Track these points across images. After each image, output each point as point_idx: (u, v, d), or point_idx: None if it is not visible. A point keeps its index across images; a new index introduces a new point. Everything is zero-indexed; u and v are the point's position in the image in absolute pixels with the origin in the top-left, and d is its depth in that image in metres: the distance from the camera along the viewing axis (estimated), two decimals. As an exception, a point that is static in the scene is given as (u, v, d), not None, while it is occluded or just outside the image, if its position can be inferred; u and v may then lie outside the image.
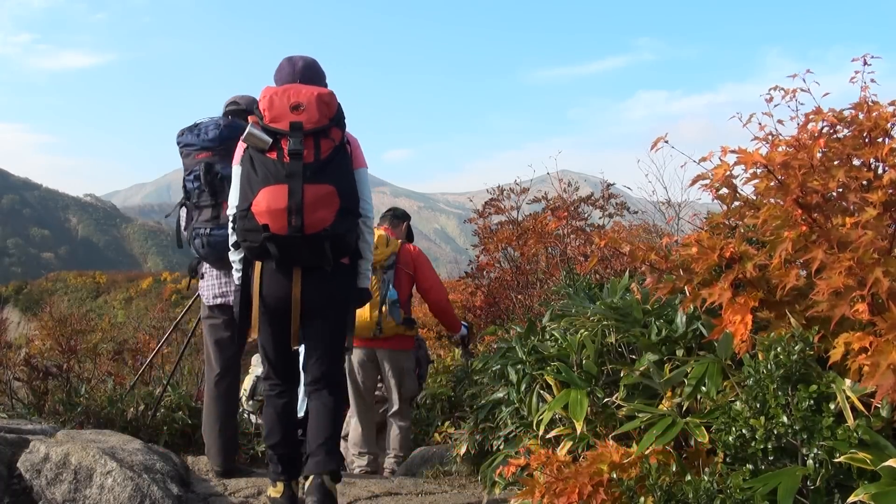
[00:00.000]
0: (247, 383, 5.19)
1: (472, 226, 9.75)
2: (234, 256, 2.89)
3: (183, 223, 3.50)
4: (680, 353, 2.49)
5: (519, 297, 7.43)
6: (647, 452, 2.02)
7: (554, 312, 3.32)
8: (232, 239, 2.85)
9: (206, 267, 3.53)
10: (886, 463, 1.64)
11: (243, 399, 4.96)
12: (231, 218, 2.81)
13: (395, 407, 4.56)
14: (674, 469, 2.00)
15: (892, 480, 1.61)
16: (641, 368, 2.50)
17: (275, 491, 2.89)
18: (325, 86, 2.94)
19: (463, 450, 3.56)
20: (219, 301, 3.47)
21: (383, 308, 4.40)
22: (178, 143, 3.46)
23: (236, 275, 2.90)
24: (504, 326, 4.82)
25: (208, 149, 3.38)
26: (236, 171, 2.81)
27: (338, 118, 2.79)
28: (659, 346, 2.52)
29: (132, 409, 4.15)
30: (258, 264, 2.83)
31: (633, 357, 2.72)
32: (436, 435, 5.47)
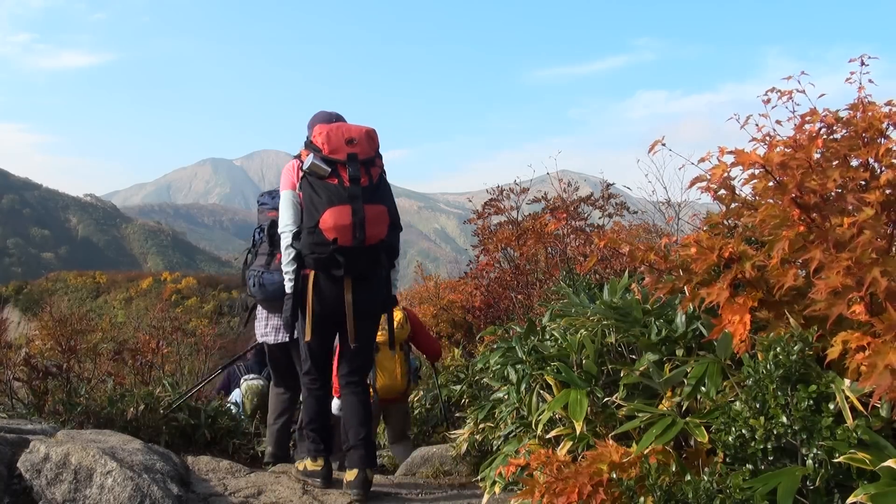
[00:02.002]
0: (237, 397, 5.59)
1: (472, 226, 9.75)
2: (288, 268, 3.25)
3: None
4: (680, 352, 2.50)
5: (519, 297, 7.43)
6: (646, 452, 2.02)
7: (554, 312, 3.32)
8: (289, 252, 3.23)
9: (259, 308, 4.13)
10: (886, 463, 1.64)
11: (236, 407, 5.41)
12: (287, 237, 3.24)
13: (399, 440, 5.11)
14: (674, 469, 2.00)
15: (891, 481, 1.61)
16: (641, 368, 2.50)
17: (314, 465, 3.35)
18: None
19: (463, 450, 3.56)
20: (261, 339, 4.13)
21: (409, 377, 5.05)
22: (258, 202, 4.18)
23: (288, 284, 3.26)
24: (504, 326, 4.84)
25: (277, 209, 3.89)
26: (287, 195, 3.26)
27: (378, 149, 3.32)
28: (659, 346, 2.52)
29: (132, 409, 4.15)
30: (311, 277, 3.22)
31: (633, 357, 2.72)
32: (435, 435, 5.47)
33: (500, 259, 8.94)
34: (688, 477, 1.90)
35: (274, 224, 3.77)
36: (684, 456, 2.12)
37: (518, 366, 3.11)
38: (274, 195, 4.01)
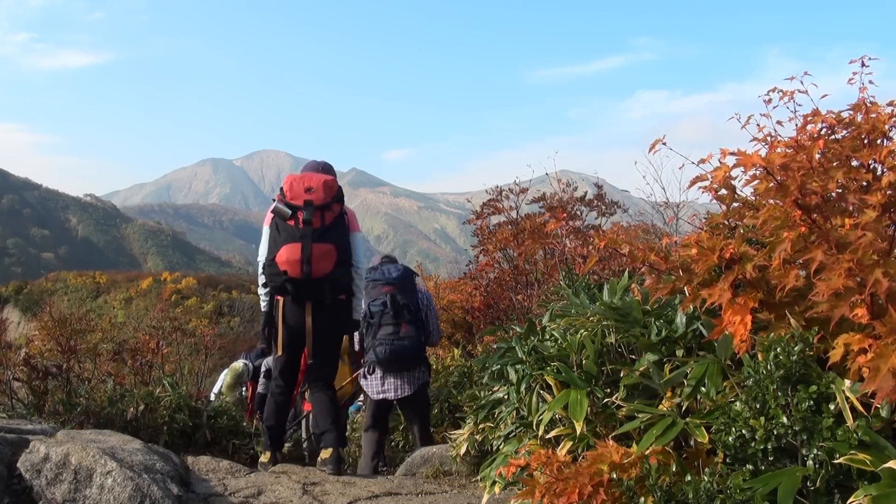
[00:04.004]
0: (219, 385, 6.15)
1: (471, 226, 9.75)
2: (262, 292, 3.92)
3: (359, 344, 4.72)
4: (680, 353, 2.49)
5: (518, 297, 7.43)
6: (647, 453, 2.02)
7: (554, 313, 3.32)
8: (261, 280, 3.88)
9: (369, 366, 4.66)
10: (887, 465, 1.63)
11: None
12: (260, 266, 3.85)
13: None
14: (674, 469, 2.00)
15: (892, 482, 1.61)
16: (641, 368, 2.50)
17: (264, 456, 3.94)
18: (335, 177, 4.04)
19: (463, 450, 3.56)
20: (379, 397, 4.67)
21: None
22: (367, 278, 4.51)
23: (263, 304, 3.91)
24: (504, 327, 4.84)
25: (391, 284, 4.63)
26: (266, 231, 3.85)
27: (338, 197, 3.86)
28: (659, 347, 2.52)
29: (132, 409, 4.14)
30: (281, 302, 3.85)
31: (633, 357, 2.72)
32: (435, 435, 5.47)
33: (499, 259, 8.94)
34: (688, 477, 1.90)
35: (394, 297, 4.55)
36: (684, 456, 2.12)
37: (518, 366, 3.11)
38: (383, 272, 4.68)
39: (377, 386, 4.66)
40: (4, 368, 4.68)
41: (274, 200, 3.83)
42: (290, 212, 3.72)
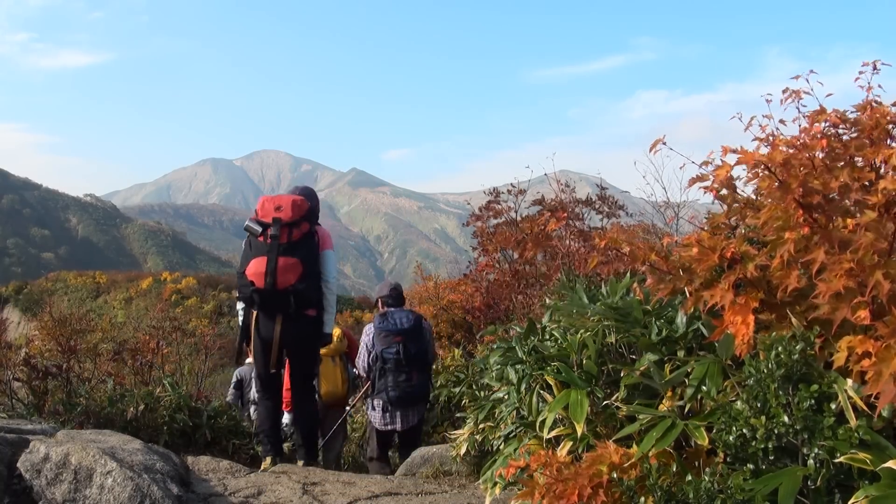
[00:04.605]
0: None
1: (471, 227, 9.75)
2: (239, 306, 4.17)
3: (365, 371, 5.04)
4: (680, 353, 2.49)
5: (518, 297, 7.43)
6: (647, 453, 2.01)
7: (554, 313, 3.31)
8: (237, 293, 4.16)
9: (380, 404, 4.92)
10: (887, 464, 1.63)
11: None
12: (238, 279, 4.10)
13: (332, 447, 5.88)
14: (674, 469, 1.99)
15: (892, 482, 1.61)
16: (642, 368, 2.49)
17: (265, 463, 4.08)
18: (316, 203, 4.34)
19: (463, 450, 3.55)
20: (387, 428, 4.93)
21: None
22: (379, 327, 4.90)
23: (240, 318, 4.14)
24: (504, 326, 4.84)
25: (402, 334, 4.84)
26: (244, 248, 4.14)
27: (308, 216, 4.12)
28: (659, 347, 2.52)
29: (132, 409, 4.14)
30: (254, 315, 4.06)
31: (634, 357, 2.72)
32: (435, 435, 5.47)
33: (499, 260, 8.94)
34: (688, 477, 1.89)
35: (406, 346, 4.78)
36: (685, 456, 2.12)
37: (518, 366, 3.10)
38: (395, 321, 4.86)
39: (383, 419, 4.96)
40: (4, 368, 4.68)
41: (249, 220, 4.10)
42: (260, 229, 3.99)
